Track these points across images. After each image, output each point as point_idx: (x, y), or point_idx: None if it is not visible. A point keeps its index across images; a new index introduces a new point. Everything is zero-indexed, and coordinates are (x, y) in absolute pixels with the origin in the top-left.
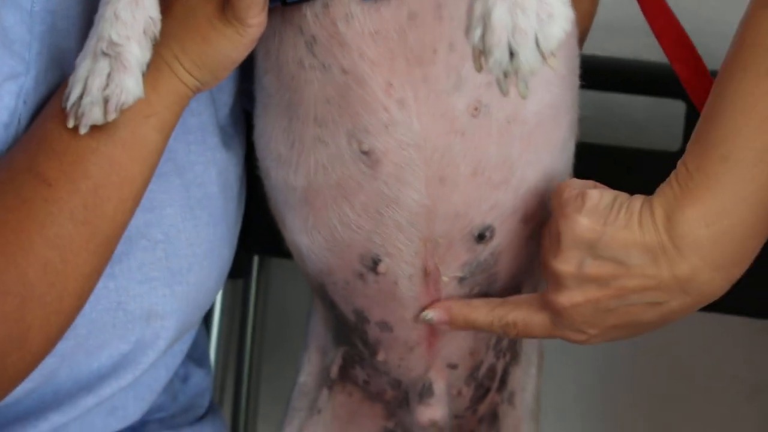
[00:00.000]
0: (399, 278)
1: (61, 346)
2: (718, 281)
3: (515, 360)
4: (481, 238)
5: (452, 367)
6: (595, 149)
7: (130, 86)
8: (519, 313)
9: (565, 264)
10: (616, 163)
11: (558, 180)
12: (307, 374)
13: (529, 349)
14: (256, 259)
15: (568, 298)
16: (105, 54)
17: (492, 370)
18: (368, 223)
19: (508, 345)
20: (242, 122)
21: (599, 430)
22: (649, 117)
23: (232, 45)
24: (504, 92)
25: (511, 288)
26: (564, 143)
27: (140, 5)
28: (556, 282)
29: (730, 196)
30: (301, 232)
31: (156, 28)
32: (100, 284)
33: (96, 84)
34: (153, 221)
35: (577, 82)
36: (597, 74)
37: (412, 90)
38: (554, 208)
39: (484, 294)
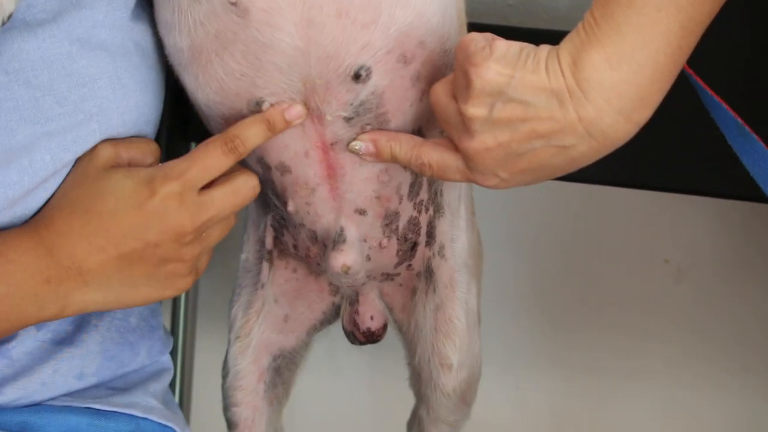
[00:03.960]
0: None
1: None
2: (622, 124)
3: (439, 213)
4: (357, 77)
5: (361, 212)
6: (521, 33)
7: (3, 3)
8: (435, 154)
9: (477, 108)
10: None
11: (435, 21)
12: (247, 251)
13: (452, 201)
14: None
15: (481, 142)
16: None
17: (414, 223)
18: (250, 69)
19: (429, 198)
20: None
21: (534, 312)
22: (571, 4)
23: None
24: None
25: (410, 132)
26: None
27: None
28: (468, 128)
29: (634, 40)
30: (196, 90)
31: None
32: (46, 157)
33: None
34: (87, 95)
35: None
36: None
37: None
38: (460, 61)
39: None
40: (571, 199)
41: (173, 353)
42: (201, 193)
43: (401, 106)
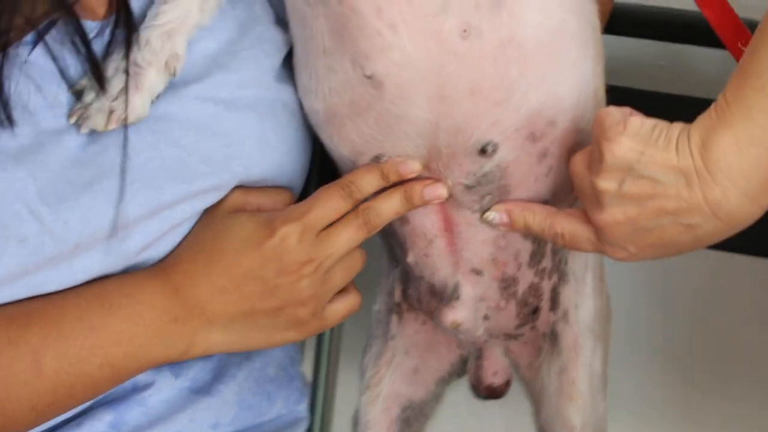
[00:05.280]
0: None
1: None
2: (747, 206)
3: (563, 280)
4: (483, 151)
5: (477, 273)
6: (671, 99)
7: (137, 106)
8: (568, 224)
9: (608, 182)
10: (693, 114)
11: (569, 102)
12: (379, 303)
13: (578, 269)
14: None
15: (610, 215)
16: (125, 71)
17: (535, 288)
18: (380, 134)
19: (553, 266)
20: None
21: (665, 374)
22: (722, 69)
23: None
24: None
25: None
26: (573, 66)
27: (171, 39)
28: (599, 201)
29: (763, 125)
30: (332, 149)
31: (178, 64)
32: (186, 208)
33: (108, 95)
34: (233, 155)
35: (591, 7)
36: (672, 27)
37: (400, 14)
38: (596, 134)
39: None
40: (707, 264)
41: (313, 401)
42: (320, 234)
43: (525, 181)
